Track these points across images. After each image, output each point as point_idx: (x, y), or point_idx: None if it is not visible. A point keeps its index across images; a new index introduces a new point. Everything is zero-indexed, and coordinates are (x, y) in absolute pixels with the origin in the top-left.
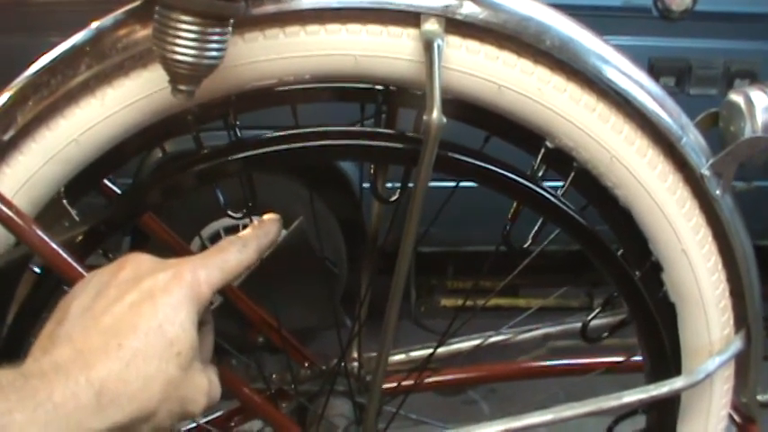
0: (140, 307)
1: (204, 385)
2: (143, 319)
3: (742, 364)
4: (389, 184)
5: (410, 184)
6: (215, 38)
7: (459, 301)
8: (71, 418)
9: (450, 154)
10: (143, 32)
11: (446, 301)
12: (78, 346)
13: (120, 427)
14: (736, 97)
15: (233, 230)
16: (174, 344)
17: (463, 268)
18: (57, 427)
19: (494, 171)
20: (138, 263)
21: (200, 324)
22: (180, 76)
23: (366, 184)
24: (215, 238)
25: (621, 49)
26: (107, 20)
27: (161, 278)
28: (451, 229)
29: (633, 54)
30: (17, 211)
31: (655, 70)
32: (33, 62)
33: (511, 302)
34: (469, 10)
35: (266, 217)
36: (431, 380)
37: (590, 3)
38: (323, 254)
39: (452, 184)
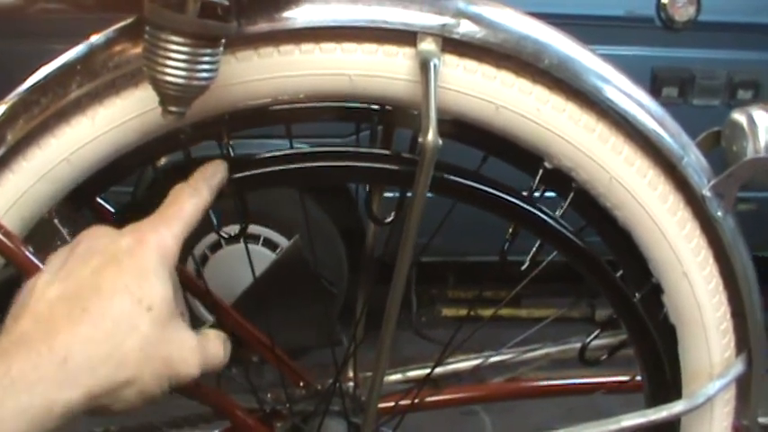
0: (104, 270)
1: (190, 341)
2: (107, 281)
3: (743, 386)
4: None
5: (408, 194)
6: (206, 58)
7: (460, 311)
8: (33, 391)
9: (445, 176)
10: (134, 51)
11: (447, 311)
12: (41, 317)
13: (99, 394)
14: (738, 117)
15: (231, 239)
16: (144, 300)
17: (464, 277)
18: (16, 402)
19: (491, 193)
20: (94, 235)
21: None
22: (170, 97)
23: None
24: (215, 246)
25: (624, 59)
26: (99, 37)
27: (124, 243)
28: (452, 239)
29: (636, 64)
30: (6, 232)
31: (658, 80)
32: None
33: (512, 313)
34: (467, 29)
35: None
36: (429, 399)
37: (593, 13)
38: (316, 269)
39: None
